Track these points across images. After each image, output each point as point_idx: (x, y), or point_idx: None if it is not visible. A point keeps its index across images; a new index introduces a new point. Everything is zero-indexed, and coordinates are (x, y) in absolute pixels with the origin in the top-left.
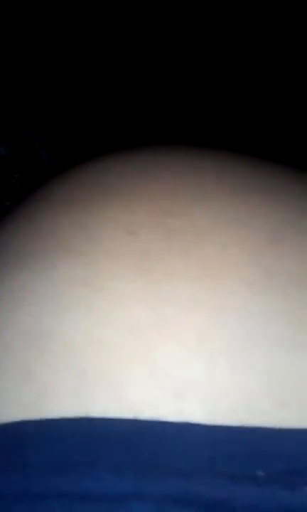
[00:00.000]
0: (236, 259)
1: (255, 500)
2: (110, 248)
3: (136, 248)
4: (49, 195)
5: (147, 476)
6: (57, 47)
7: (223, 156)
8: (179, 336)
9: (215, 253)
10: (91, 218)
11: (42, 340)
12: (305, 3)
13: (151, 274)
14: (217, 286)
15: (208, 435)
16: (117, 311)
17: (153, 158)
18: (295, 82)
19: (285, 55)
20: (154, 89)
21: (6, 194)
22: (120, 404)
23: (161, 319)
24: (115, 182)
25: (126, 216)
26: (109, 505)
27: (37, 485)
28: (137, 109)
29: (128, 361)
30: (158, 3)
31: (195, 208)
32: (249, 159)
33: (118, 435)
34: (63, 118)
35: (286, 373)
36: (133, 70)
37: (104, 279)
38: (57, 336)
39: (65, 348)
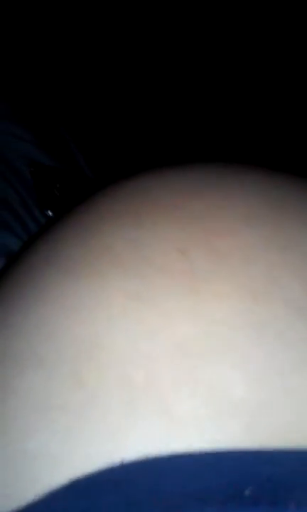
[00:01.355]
0: (282, 281)
1: None
2: (160, 265)
3: (185, 267)
4: (100, 208)
5: None
6: (92, 63)
7: (274, 175)
8: (225, 356)
9: (261, 275)
10: (142, 233)
11: (92, 348)
12: (305, 3)
13: (198, 294)
14: (262, 309)
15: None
16: (166, 326)
17: (202, 176)
18: (295, 87)
19: (285, 58)
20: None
21: (48, 203)
22: (165, 417)
23: (208, 338)
24: (165, 198)
25: (177, 234)
26: None
27: None
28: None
29: (175, 376)
30: (161, 7)
31: (243, 228)
32: (294, 179)
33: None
34: (103, 129)
35: None
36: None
37: (154, 294)
38: (107, 345)
39: (113, 358)
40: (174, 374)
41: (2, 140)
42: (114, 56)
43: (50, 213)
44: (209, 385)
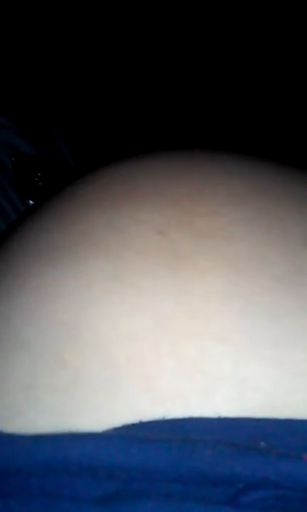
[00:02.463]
0: (265, 257)
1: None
2: (140, 247)
3: (165, 247)
4: (79, 194)
5: None
6: (82, 54)
7: (254, 161)
8: (208, 330)
9: (244, 251)
10: (121, 218)
11: (75, 330)
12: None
13: (180, 272)
14: (247, 282)
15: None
16: (147, 304)
17: (181, 161)
18: (295, 84)
19: (285, 56)
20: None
21: (29, 192)
22: (150, 394)
23: (190, 314)
24: (144, 183)
25: (156, 217)
26: None
27: None
28: (156, 110)
29: (158, 353)
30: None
31: (223, 209)
32: (275, 164)
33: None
34: (86, 118)
35: None
36: (149, 75)
37: (134, 275)
38: (89, 327)
39: (96, 338)
40: (157, 350)
41: None
42: (103, 48)
43: (31, 202)
44: (193, 360)
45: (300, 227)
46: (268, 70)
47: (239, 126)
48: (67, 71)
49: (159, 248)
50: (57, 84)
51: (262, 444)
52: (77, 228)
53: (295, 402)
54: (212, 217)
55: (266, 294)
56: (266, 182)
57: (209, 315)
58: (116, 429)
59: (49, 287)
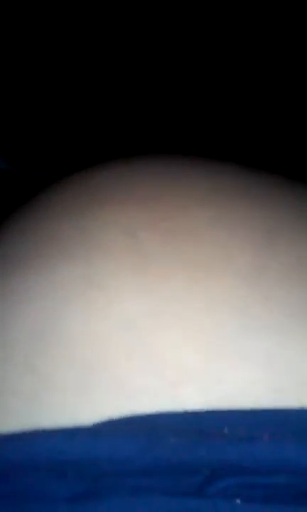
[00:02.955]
0: (230, 256)
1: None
2: (108, 249)
3: (134, 249)
4: (48, 201)
5: None
6: (56, 60)
7: (217, 164)
8: (175, 327)
9: (210, 251)
10: (89, 222)
11: (45, 334)
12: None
13: (148, 273)
14: (212, 281)
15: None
16: (115, 306)
17: (150, 166)
18: (295, 87)
19: (285, 58)
20: (151, 100)
21: (2, 208)
22: (119, 390)
23: (159, 313)
24: (112, 188)
25: (124, 219)
26: None
27: None
28: (135, 124)
29: (127, 352)
30: (158, 5)
31: (190, 210)
32: (241, 168)
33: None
34: (62, 134)
35: (280, 360)
36: (131, 81)
37: (102, 277)
38: (58, 331)
39: (65, 342)
40: (126, 350)
41: None
42: (72, 50)
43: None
44: (162, 357)
45: (264, 225)
46: (268, 72)
47: (238, 128)
48: (44, 83)
49: (127, 249)
50: (33, 99)
51: (226, 430)
52: (47, 233)
53: (260, 393)
54: (177, 217)
55: (230, 291)
56: (229, 182)
57: (176, 313)
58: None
59: (20, 294)
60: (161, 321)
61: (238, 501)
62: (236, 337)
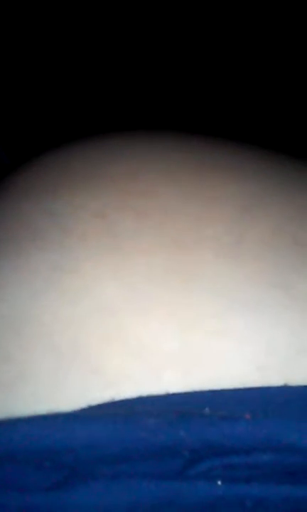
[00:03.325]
0: (207, 230)
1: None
2: (80, 232)
3: (105, 230)
4: (15, 185)
5: None
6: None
7: (187, 137)
8: (152, 309)
9: (186, 227)
10: (59, 205)
11: (18, 323)
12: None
13: (122, 253)
14: (189, 258)
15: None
16: (88, 290)
17: (116, 144)
18: (294, 79)
19: (284, 52)
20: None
21: None
22: (97, 376)
23: (134, 295)
24: (80, 168)
25: (93, 200)
26: None
27: None
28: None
29: (103, 337)
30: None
31: (161, 187)
32: (220, 142)
33: None
34: (26, 122)
35: (262, 336)
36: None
37: (75, 261)
38: (32, 319)
39: (39, 330)
40: (101, 334)
41: None
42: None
43: None
44: (139, 340)
45: (239, 197)
46: (267, 69)
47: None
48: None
49: (99, 231)
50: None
51: (207, 410)
52: (17, 219)
53: (244, 372)
54: (149, 195)
55: (207, 268)
56: (203, 156)
57: (153, 293)
58: None
59: None
60: (138, 303)
61: (219, 483)
62: (215, 315)
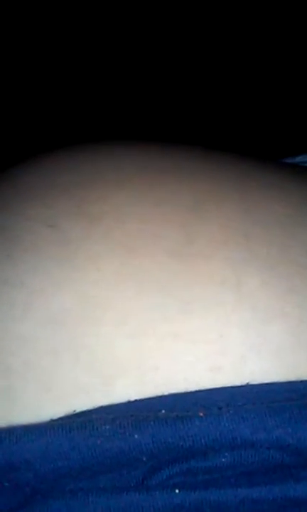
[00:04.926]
0: (157, 231)
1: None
2: (30, 244)
3: (56, 239)
4: None
5: None
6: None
7: (140, 145)
8: (103, 317)
9: (136, 230)
10: (10, 218)
11: None
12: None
13: (73, 261)
14: (139, 261)
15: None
16: (38, 303)
17: (70, 156)
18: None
19: (283, 56)
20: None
21: None
22: (51, 393)
23: (85, 303)
24: (33, 181)
25: (45, 211)
26: None
27: None
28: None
29: (54, 351)
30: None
31: (112, 192)
32: (168, 145)
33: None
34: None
35: (215, 336)
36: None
37: (24, 274)
38: None
39: None
40: (52, 349)
41: None
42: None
43: None
44: (91, 350)
45: (190, 196)
46: (267, 72)
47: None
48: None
49: (50, 241)
50: None
51: (162, 412)
52: None
53: (198, 374)
54: (101, 201)
55: (159, 270)
56: (156, 161)
57: (105, 300)
58: None
59: None
60: (89, 311)
61: (177, 491)
62: (167, 318)
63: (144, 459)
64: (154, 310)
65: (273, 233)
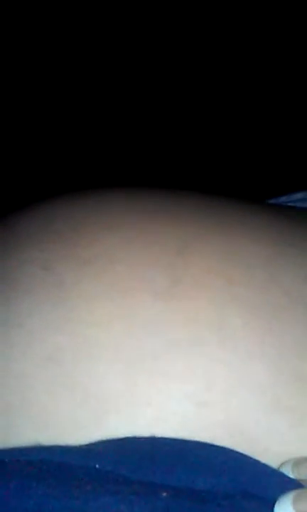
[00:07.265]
0: (144, 274)
1: None
2: (26, 286)
3: (51, 281)
4: None
5: None
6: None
7: (131, 190)
8: (97, 354)
9: (125, 273)
10: (7, 261)
11: None
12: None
13: (67, 302)
14: (128, 302)
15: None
16: (36, 343)
17: (63, 203)
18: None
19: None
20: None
21: None
22: (48, 431)
23: (79, 342)
24: (28, 227)
25: (40, 254)
26: None
27: None
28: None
29: (49, 388)
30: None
31: (104, 236)
32: (153, 189)
33: None
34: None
35: (201, 372)
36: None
37: (22, 315)
38: None
39: None
40: (49, 387)
41: None
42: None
43: None
44: (85, 388)
45: (176, 239)
46: (267, 76)
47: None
48: None
49: (45, 283)
50: None
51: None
52: None
53: (186, 409)
54: (93, 244)
55: (146, 311)
56: (146, 205)
57: (97, 339)
58: None
59: None
60: (83, 350)
61: None
62: (156, 356)
63: None
64: (143, 348)
65: (254, 275)
